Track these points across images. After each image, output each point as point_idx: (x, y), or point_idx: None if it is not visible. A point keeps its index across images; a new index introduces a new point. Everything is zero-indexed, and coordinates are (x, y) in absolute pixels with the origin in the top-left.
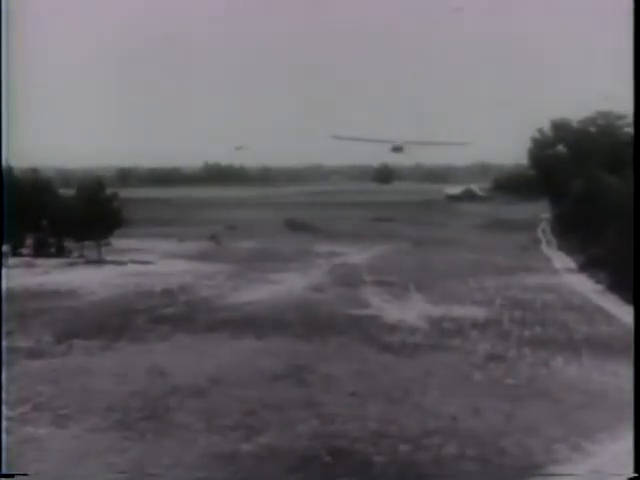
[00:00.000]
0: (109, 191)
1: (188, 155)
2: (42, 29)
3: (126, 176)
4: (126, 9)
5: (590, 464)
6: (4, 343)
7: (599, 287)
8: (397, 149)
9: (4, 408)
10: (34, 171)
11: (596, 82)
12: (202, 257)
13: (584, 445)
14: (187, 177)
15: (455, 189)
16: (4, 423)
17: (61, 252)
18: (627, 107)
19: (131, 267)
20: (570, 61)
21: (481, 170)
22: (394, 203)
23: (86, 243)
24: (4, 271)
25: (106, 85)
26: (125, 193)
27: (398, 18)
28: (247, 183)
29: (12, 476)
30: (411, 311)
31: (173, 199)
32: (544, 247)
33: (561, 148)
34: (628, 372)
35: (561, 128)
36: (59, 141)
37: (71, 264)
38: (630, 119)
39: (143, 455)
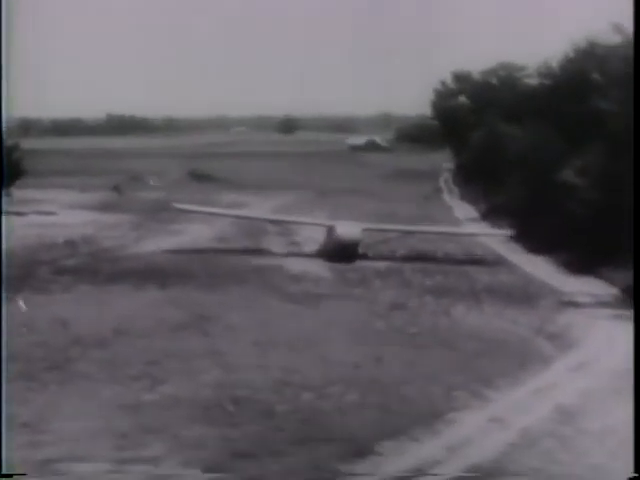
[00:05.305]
0: (10, 142)
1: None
2: None
3: (27, 127)
4: None
5: (490, 410)
6: None
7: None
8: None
9: None
10: None
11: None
12: (105, 208)
13: (484, 392)
14: (89, 128)
15: (358, 139)
16: None
17: None
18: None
19: (33, 218)
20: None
21: (384, 120)
22: (297, 154)
23: None
24: None
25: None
26: (26, 144)
27: None
28: (150, 134)
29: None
30: (314, 261)
31: (75, 150)
32: (446, 197)
33: (463, 99)
34: (527, 319)
35: (462, 79)
36: None
37: None
38: (530, 70)
39: (46, 405)
